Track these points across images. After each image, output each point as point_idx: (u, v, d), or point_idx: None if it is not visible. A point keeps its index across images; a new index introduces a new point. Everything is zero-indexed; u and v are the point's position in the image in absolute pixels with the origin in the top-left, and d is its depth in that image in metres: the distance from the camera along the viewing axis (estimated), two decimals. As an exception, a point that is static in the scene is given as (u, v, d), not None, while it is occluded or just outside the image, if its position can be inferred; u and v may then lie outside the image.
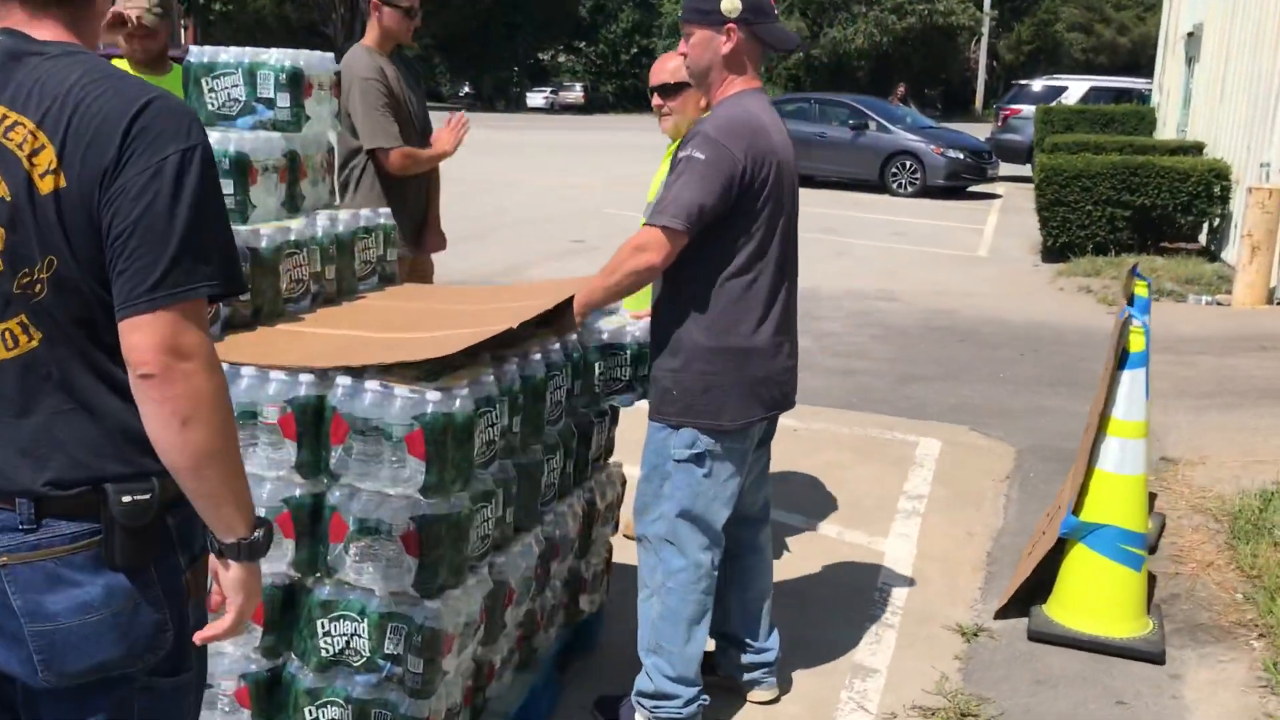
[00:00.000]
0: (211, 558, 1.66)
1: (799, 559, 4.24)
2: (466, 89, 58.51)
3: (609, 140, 27.62)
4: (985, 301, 9.50)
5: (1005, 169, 19.64)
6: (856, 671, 3.48)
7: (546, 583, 3.02)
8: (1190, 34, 14.95)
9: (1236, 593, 3.97)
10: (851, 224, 14.16)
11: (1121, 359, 3.64)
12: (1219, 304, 9.28)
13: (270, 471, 2.44)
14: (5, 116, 1.51)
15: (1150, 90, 19.27)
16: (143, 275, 1.49)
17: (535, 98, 52.25)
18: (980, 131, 22.04)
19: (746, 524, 3.17)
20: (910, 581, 4.11)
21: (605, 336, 3.11)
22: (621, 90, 51.77)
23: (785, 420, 3.36)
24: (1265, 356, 7.39)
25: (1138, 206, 11.12)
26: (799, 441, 5.49)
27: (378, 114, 4.01)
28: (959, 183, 18.06)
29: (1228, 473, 5.08)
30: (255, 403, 2.41)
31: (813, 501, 4.83)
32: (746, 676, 3.25)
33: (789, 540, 4.39)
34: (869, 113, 18.83)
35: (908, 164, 18.02)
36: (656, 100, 3.52)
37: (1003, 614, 3.83)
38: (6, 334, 1.54)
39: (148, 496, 1.59)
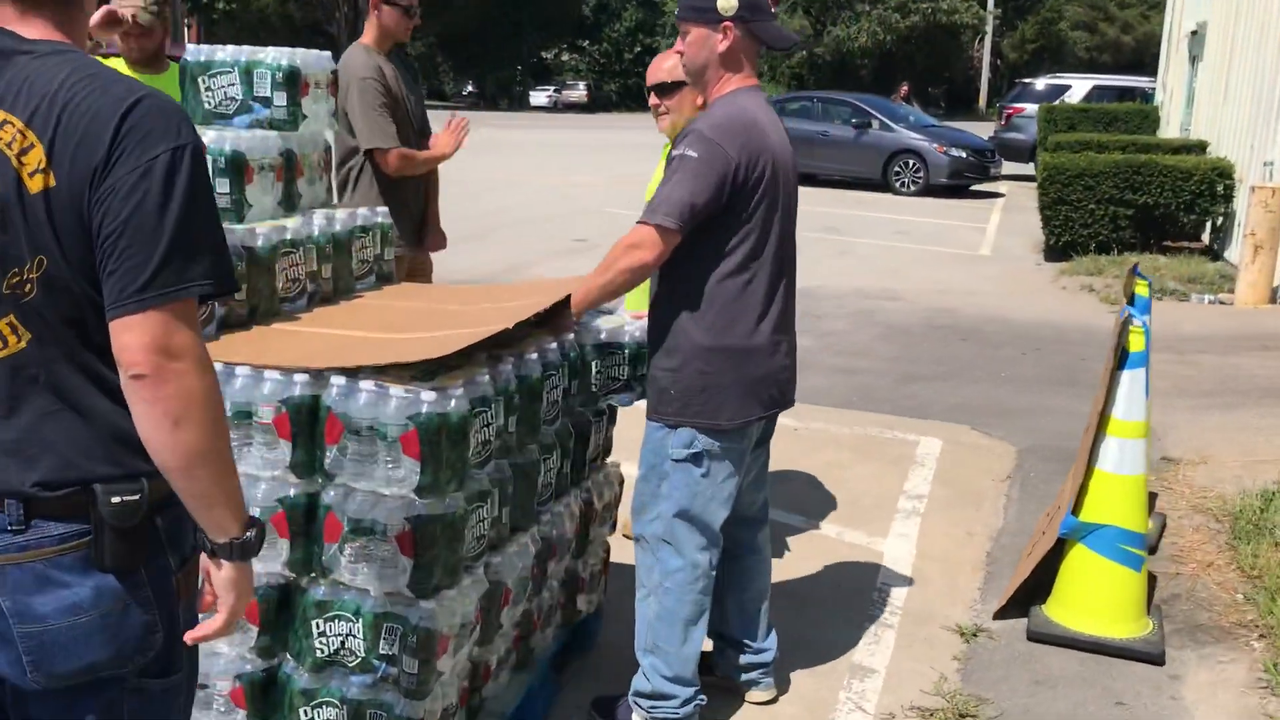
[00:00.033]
0: (203, 557, 1.65)
1: (798, 559, 4.23)
2: (470, 88, 58.53)
3: (612, 139, 27.60)
4: (988, 300, 9.48)
5: (1008, 168, 19.61)
6: (855, 672, 3.47)
7: (543, 583, 3.01)
8: (1194, 32, 14.92)
9: (1237, 593, 3.96)
10: (854, 223, 14.15)
11: (1121, 359, 3.63)
12: (1221, 303, 9.26)
13: (265, 471, 2.44)
14: (-6, 115, 1.51)
15: (1154, 89, 19.23)
16: (133, 275, 1.48)
17: (539, 96, 52.29)
18: (983, 130, 22.03)
19: (745, 524, 3.16)
20: (909, 581, 4.10)
21: (603, 335, 3.11)
22: (625, 89, 51.72)
23: (785, 419, 3.35)
24: (1267, 356, 7.37)
25: (1140, 205, 11.10)
26: (799, 441, 5.48)
27: (375, 114, 4.00)
28: (962, 181, 18.04)
29: (1229, 472, 5.06)
30: (250, 402, 2.41)
31: (812, 501, 4.82)
32: (744, 677, 3.25)
33: (788, 540, 4.38)
34: (872, 111, 18.81)
35: (910, 163, 18.00)
36: (653, 100, 3.51)
37: (1002, 614, 3.82)
38: None
39: (137, 497, 1.58)
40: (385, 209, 3.43)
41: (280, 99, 3.04)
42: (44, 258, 1.51)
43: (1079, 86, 20.76)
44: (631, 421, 3.51)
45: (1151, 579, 4.00)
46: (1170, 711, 3.30)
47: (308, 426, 2.41)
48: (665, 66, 3.43)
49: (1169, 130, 16.13)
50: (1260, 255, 9.01)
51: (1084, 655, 3.58)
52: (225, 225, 2.79)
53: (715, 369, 2.81)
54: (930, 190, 17.76)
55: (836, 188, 18.03)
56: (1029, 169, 18.65)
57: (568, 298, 2.87)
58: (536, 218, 13.77)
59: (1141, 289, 3.74)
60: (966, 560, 4.32)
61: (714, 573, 3.00)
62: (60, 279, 1.52)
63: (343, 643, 2.46)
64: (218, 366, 2.39)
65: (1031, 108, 19.54)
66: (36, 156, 1.49)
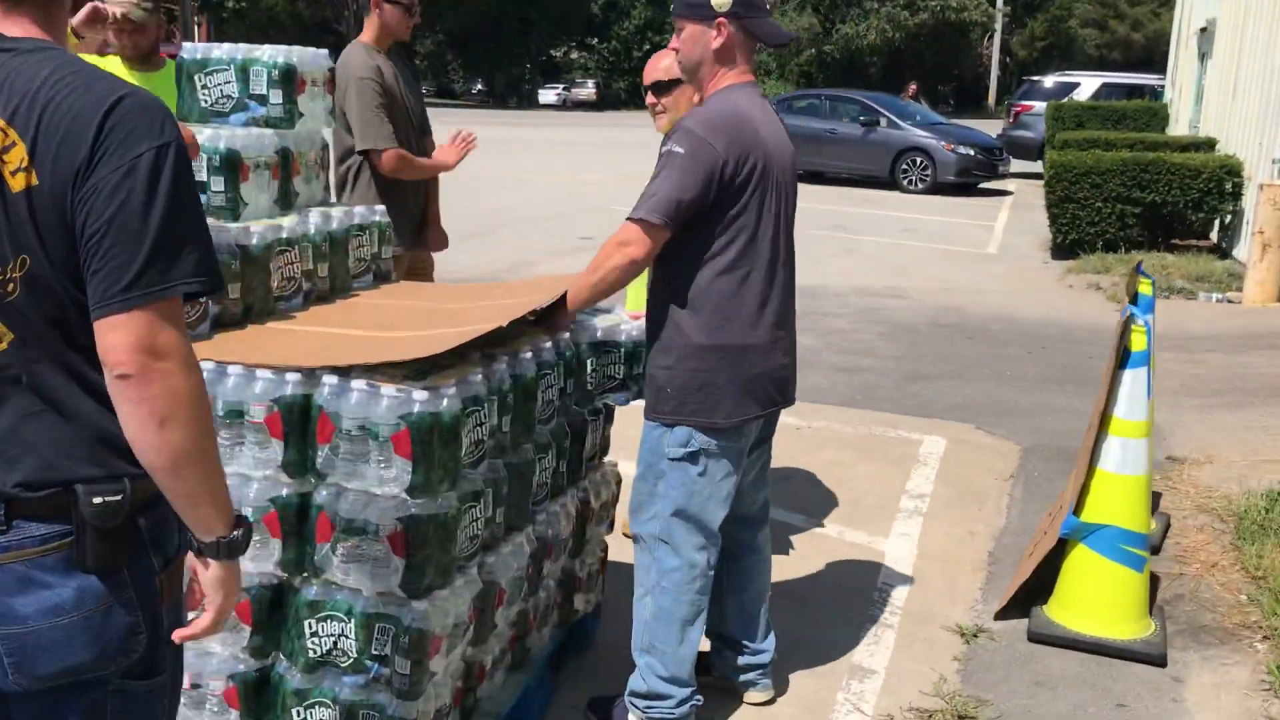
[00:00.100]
0: (191, 556, 1.64)
1: (799, 558, 4.21)
2: (479, 86, 58.60)
3: (621, 137, 27.58)
4: (994, 299, 9.45)
5: (1016, 165, 19.57)
6: (854, 672, 3.45)
7: (539, 583, 3.00)
8: (1203, 29, 14.86)
9: (1241, 594, 3.94)
10: (861, 221, 14.11)
11: (1123, 358, 3.60)
12: (1229, 301, 9.21)
13: (257, 471, 2.43)
14: (-25, 114, 1.50)
15: (1163, 86, 19.16)
16: (117, 275, 1.47)
17: (547, 94, 52.36)
18: (993, 128, 21.96)
19: (745, 524, 3.15)
20: (910, 581, 4.08)
21: (599, 334, 3.09)
22: (634, 87, 51.63)
23: (787, 418, 3.34)
24: (1276, 355, 7.33)
25: (1148, 203, 11.05)
26: (801, 439, 5.47)
27: (371, 114, 3.99)
28: (970, 179, 18.00)
29: (1234, 472, 5.03)
30: (242, 401, 2.40)
31: (814, 500, 4.80)
32: (742, 678, 3.23)
33: (789, 539, 4.37)
34: (880, 109, 18.78)
35: (918, 160, 17.96)
36: (650, 98, 3.50)
37: (1003, 615, 3.80)
38: None
39: (119, 498, 1.57)
40: (383, 208, 3.43)
41: (276, 97, 3.03)
42: (27, 257, 1.50)
43: (1088, 84, 20.69)
44: (631, 420, 3.49)
45: (1155, 579, 3.97)
46: (1172, 713, 3.27)
47: (299, 426, 2.40)
48: (662, 65, 3.42)
49: (1178, 128, 16.06)
50: (1269, 253, 8.96)
51: (1085, 656, 3.55)
52: (220, 223, 2.81)
53: (711, 367, 2.79)
54: (938, 188, 17.72)
55: (844, 185, 18.00)
56: (1037, 167, 18.56)
57: (564, 296, 2.85)
58: (543, 216, 13.76)
59: (1145, 287, 3.72)
60: (968, 560, 4.30)
61: (712, 572, 2.99)
62: (43, 278, 1.51)
63: (335, 643, 2.45)
64: (210, 365, 2.41)
65: (1040, 105, 19.47)
66: (18, 155, 1.48)
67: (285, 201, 3.07)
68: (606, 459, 3.42)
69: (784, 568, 4.04)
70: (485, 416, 2.50)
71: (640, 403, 3.04)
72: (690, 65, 2.85)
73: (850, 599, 3.92)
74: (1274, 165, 9.97)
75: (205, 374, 2.35)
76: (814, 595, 3.95)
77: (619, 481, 3.45)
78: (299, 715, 2.49)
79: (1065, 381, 6.74)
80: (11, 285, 1.51)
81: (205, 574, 1.63)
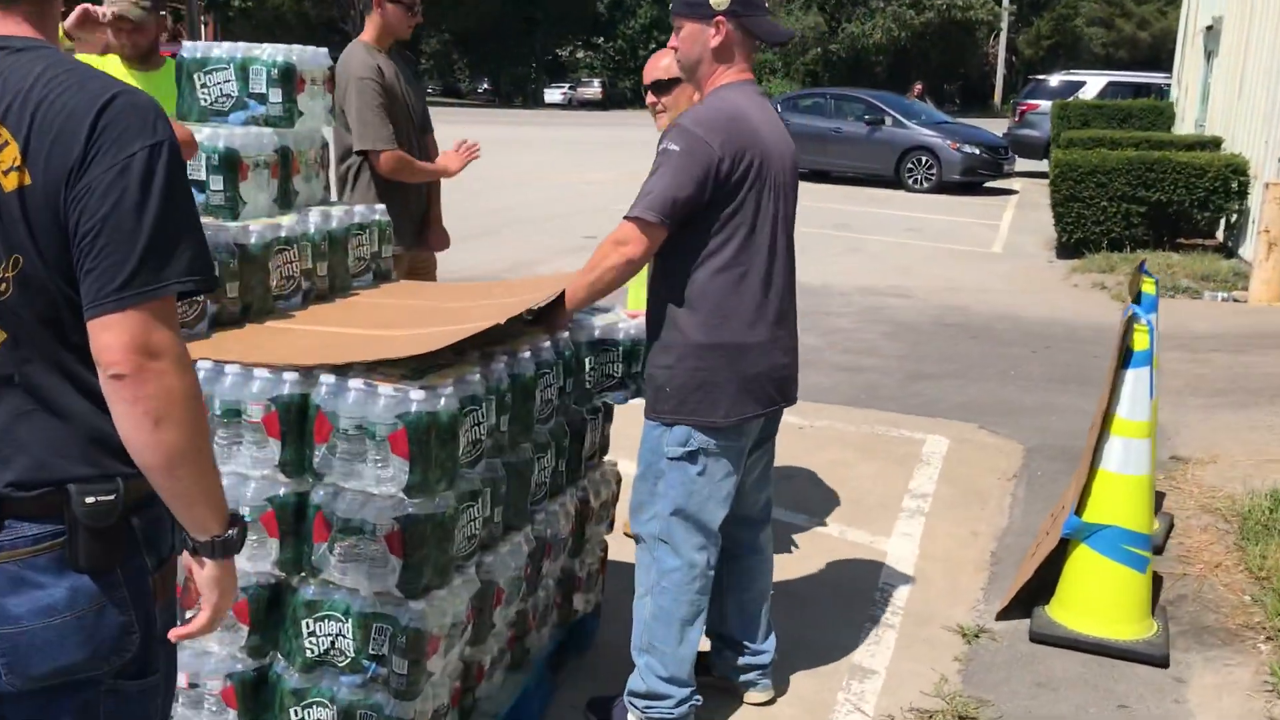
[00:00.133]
0: (186, 555, 1.64)
1: (800, 558, 4.21)
2: (485, 85, 58.63)
3: (626, 136, 27.56)
4: (999, 298, 9.43)
5: (1022, 164, 19.53)
6: (854, 673, 3.44)
7: (538, 582, 2.99)
8: (1209, 27, 14.81)
9: (1245, 595, 3.92)
10: (866, 220, 14.08)
11: (1125, 357, 3.59)
12: (1235, 300, 9.18)
13: (254, 470, 2.42)
14: (-34, 113, 1.49)
15: (1169, 85, 19.10)
16: (111, 274, 1.47)
17: (553, 94, 52.37)
18: (998, 127, 21.93)
19: (747, 524, 3.14)
20: (912, 581, 4.07)
21: (597, 333, 3.09)
22: (639, 86, 51.16)
23: (790, 417, 3.33)
24: (1281, 354, 7.31)
25: (1153, 202, 11.02)
26: (803, 439, 5.46)
27: (370, 114, 3.99)
28: (975, 178, 17.96)
29: (1239, 472, 5.01)
30: (239, 401, 2.40)
31: (816, 499, 4.79)
32: (742, 678, 3.22)
33: (791, 538, 4.36)
34: (885, 108, 18.75)
35: (924, 159, 17.94)
36: (651, 98, 3.49)
37: (1005, 615, 3.79)
38: None
39: (111, 497, 1.57)
40: (383, 206, 3.42)
41: (276, 96, 3.03)
42: (19, 256, 1.50)
43: (1094, 83, 20.65)
44: (632, 419, 3.49)
45: (1158, 580, 3.96)
46: (1174, 715, 3.26)
47: (297, 425, 2.39)
48: (661, 64, 3.41)
49: (1184, 126, 16.02)
50: (1274, 252, 8.92)
51: (1087, 657, 3.54)
52: (219, 222, 2.81)
53: (710, 366, 2.79)
54: (943, 187, 17.69)
55: (849, 184, 17.98)
56: (1043, 165, 18.54)
57: (562, 294, 2.85)
58: (547, 215, 13.76)
59: (1148, 287, 3.70)
60: (970, 560, 4.28)
61: (712, 573, 2.98)
62: (36, 278, 1.51)
63: (332, 643, 2.44)
64: (207, 364, 2.41)
65: (1046, 104, 19.45)
66: (11, 154, 1.48)
67: (285, 200, 3.06)
68: (606, 458, 3.41)
69: (785, 567, 4.03)
70: (483, 416, 2.49)
71: (641, 401, 3.04)
72: (689, 64, 2.85)
73: (851, 599, 3.91)
74: (1280, 164, 9.94)
75: (203, 373, 2.38)
76: (815, 595, 3.94)
77: (619, 481, 3.44)
78: (297, 715, 2.49)
79: (1069, 381, 6.72)
80: (4, 285, 1.51)
81: (201, 573, 1.63)
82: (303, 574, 2.48)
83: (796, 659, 3.44)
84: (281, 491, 2.43)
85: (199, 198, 2.84)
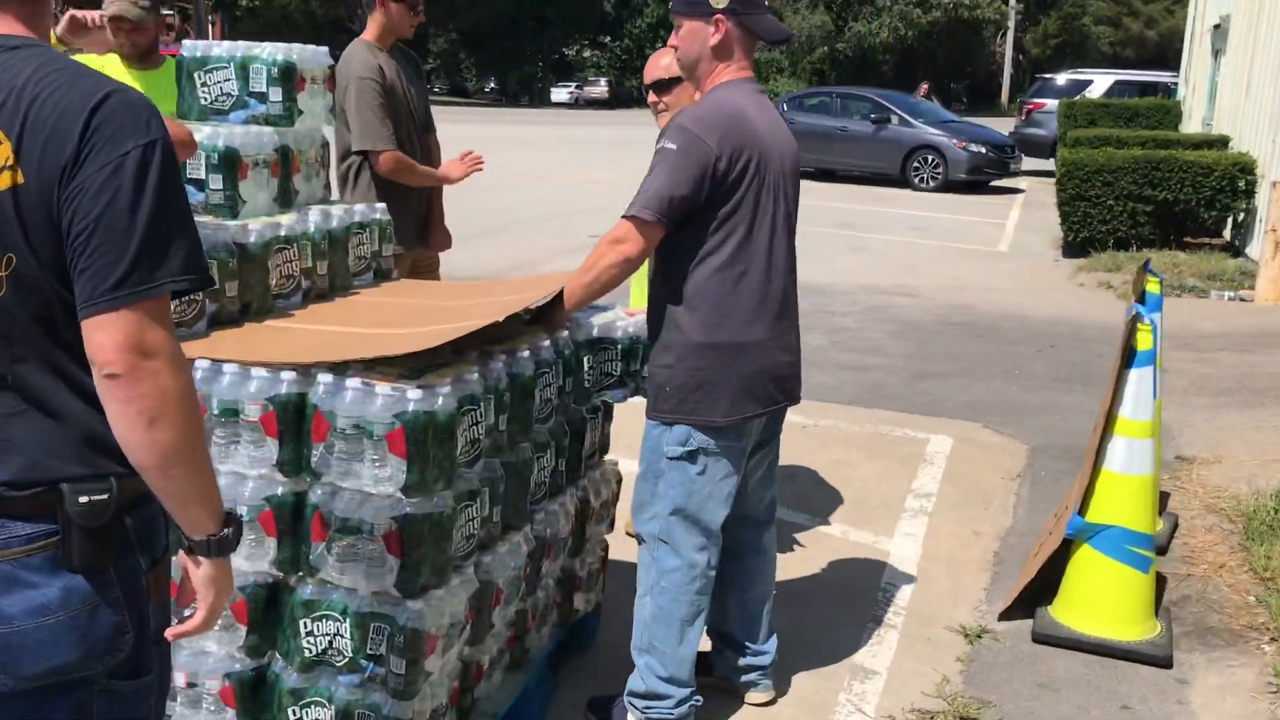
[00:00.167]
0: (182, 554, 1.64)
1: (802, 557, 4.20)
2: (492, 84, 58.67)
3: (633, 135, 27.51)
4: (1005, 297, 9.41)
5: (1028, 163, 19.49)
6: (856, 673, 3.43)
7: (538, 582, 2.99)
8: (1217, 26, 14.77)
9: (1249, 595, 3.90)
10: (871, 219, 14.05)
11: (1129, 357, 3.57)
12: (1241, 300, 9.15)
13: (252, 470, 2.42)
14: (-42, 112, 1.49)
15: (1176, 84, 19.05)
16: (105, 273, 1.47)
17: (560, 93, 52.41)
18: (1005, 125, 21.89)
19: (750, 525, 3.13)
20: (914, 581, 4.06)
21: (595, 331, 3.08)
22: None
23: (794, 416, 3.31)
24: (1287, 354, 7.28)
25: (1160, 201, 10.98)
26: (807, 438, 5.44)
27: (370, 114, 3.98)
28: (981, 177, 17.93)
29: (1244, 472, 4.99)
30: (237, 400, 2.39)
31: (819, 499, 4.78)
32: (743, 678, 3.21)
33: (793, 538, 4.35)
34: (891, 107, 18.73)
35: (930, 158, 17.92)
36: (652, 97, 3.49)
37: (1007, 615, 3.78)
38: None
39: (105, 497, 1.57)
40: (384, 205, 3.42)
41: (276, 94, 3.03)
42: (13, 255, 1.50)
43: (1100, 81, 20.60)
44: (633, 418, 3.48)
45: (1161, 580, 3.94)
46: (1177, 715, 3.24)
47: (295, 424, 2.39)
48: (662, 63, 3.41)
49: (1191, 125, 15.98)
50: (1281, 251, 8.90)
51: (1089, 658, 3.53)
52: (219, 221, 2.80)
53: (709, 365, 2.78)
54: (949, 186, 17.67)
55: (855, 183, 17.95)
56: (1050, 164, 18.51)
57: (561, 293, 2.84)
58: (553, 214, 13.75)
59: (1152, 286, 3.69)
60: (973, 560, 4.27)
61: (712, 573, 2.97)
62: (30, 277, 1.50)
63: (330, 642, 2.44)
64: (205, 363, 2.41)
65: (1052, 103, 19.40)
66: (3, 153, 1.48)
67: (285, 199, 3.06)
68: (607, 457, 3.41)
69: (787, 566, 4.02)
70: (481, 415, 2.48)
71: (642, 400, 3.03)
72: (689, 62, 2.84)
73: (853, 599, 3.90)
74: (1287, 163, 9.90)
75: (200, 372, 2.37)
76: (817, 595, 3.93)
77: (619, 480, 3.44)
78: (295, 714, 2.49)
79: (1075, 380, 6.70)
80: (-2, 284, 1.51)
81: (196, 572, 1.63)
82: (300, 573, 2.47)
83: (798, 659, 3.43)
84: (279, 491, 2.43)
85: (199, 196, 2.85)
